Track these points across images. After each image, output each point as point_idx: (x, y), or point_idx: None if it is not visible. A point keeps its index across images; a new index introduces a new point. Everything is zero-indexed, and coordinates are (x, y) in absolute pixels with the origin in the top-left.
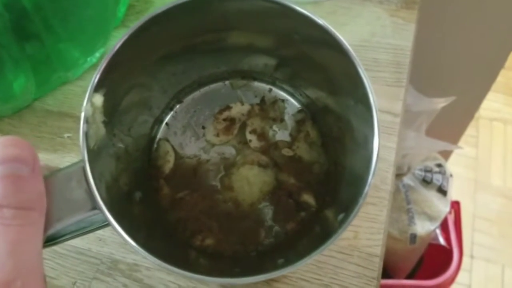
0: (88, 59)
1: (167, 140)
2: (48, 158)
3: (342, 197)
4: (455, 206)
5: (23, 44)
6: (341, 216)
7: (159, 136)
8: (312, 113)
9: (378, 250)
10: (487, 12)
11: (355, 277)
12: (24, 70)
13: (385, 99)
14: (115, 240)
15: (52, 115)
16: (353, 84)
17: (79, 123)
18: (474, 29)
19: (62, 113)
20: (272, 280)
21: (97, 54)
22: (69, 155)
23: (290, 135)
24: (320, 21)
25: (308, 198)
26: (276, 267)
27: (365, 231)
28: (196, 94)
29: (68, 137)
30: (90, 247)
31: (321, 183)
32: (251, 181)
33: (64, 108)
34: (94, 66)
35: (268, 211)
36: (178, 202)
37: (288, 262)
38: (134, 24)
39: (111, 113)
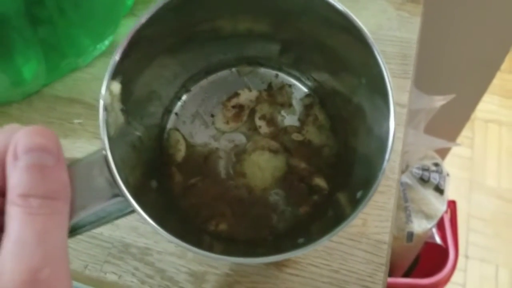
0: (98, 46)
1: (177, 130)
2: None
3: (355, 178)
4: (451, 205)
5: (35, 28)
6: (359, 193)
7: (169, 126)
8: (320, 96)
9: (386, 237)
10: (486, 14)
11: (363, 263)
12: (35, 54)
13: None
14: (126, 224)
15: (61, 101)
16: (366, 64)
17: (88, 109)
18: (473, 30)
19: (72, 99)
20: (283, 265)
21: (106, 42)
22: (80, 140)
23: (299, 119)
24: (338, 5)
25: (319, 181)
26: (293, 248)
27: (374, 219)
28: (204, 82)
29: (78, 123)
30: (102, 231)
31: (332, 166)
32: (263, 167)
33: (73, 94)
34: (103, 54)
35: (280, 196)
36: (190, 189)
37: (308, 241)
38: (148, 10)
39: (126, 101)
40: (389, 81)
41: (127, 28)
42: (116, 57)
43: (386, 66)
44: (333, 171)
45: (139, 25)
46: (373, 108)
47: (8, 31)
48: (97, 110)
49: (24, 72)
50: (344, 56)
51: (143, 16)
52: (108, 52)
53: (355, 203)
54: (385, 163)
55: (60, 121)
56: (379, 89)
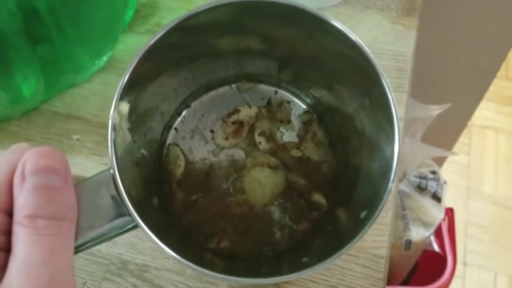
0: (96, 62)
1: (177, 145)
2: None
3: (357, 195)
4: (449, 213)
5: (34, 46)
6: (363, 213)
7: (168, 141)
8: (318, 113)
9: (384, 251)
10: (481, 23)
11: (361, 278)
12: (34, 71)
13: None
14: (124, 240)
15: (60, 117)
16: (369, 84)
17: (86, 125)
18: (469, 38)
19: (70, 115)
20: (282, 281)
21: (105, 58)
22: (78, 157)
23: (298, 136)
24: (339, 25)
25: (318, 197)
26: (297, 267)
27: (371, 233)
28: (204, 98)
29: (76, 139)
30: (100, 247)
31: (331, 183)
32: (263, 183)
33: (71, 111)
34: (101, 69)
35: (280, 212)
36: (191, 205)
37: (312, 261)
38: (157, 32)
39: (132, 120)
40: (393, 103)
41: (126, 44)
42: (126, 77)
43: (391, 88)
44: (333, 187)
45: (147, 47)
46: (375, 128)
47: (7, 49)
48: (96, 126)
49: (23, 89)
50: (344, 76)
51: (151, 40)
52: (106, 67)
53: (360, 223)
54: (390, 184)
55: (58, 137)
56: (382, 110)
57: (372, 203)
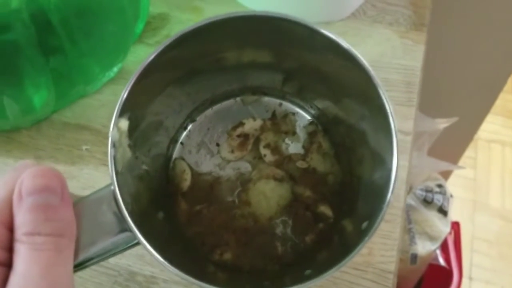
0: (107, 73)
1: (183, 159)
2: (66, 170)
3: (361, 207)
4: (455, 226)
5: (47, 57)
6: (365, 224)
7: (174, 155)
8: (323, 124)
9: (392, 266)
10: (489, 37)
11: None
12: (46, 83)
13: (396, 118)
14: (132, 252)
15: (70, 127)
16: (368, 96)
17: (96, 136)
18: (476, 53)
19: (80, 125)
20: None
21: (115, 69)
22: (87, 167)
23: (303, 147)
24: (341, 42)
25: (324, 209)
26: (300, 279)
27: (379, 248)
28: (209, 112)
29: (86, 149)
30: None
31: (336, 194)
32: (268, 196)
33: (81, 121)
34: (112, 80)
35: (286, 225)
36: (196, 216)
37: (315, 273)
38: (157, 47)
39: (134, 136)
40: (391, 114)
41: (136, 56)
42: (124, 95)
43: (390, 102)
44: (338, 199)
45: (147, 63)
46: (377, 138)
47: (20, 60)
48: (105, 137)
49: (34, 100)
50: (347, 87)
51: (151, 54)
52: (117, 78)
53: (361, 234)
54: (389, 195)
55: (68, 148)
56: (381, 121)
57: (372, 214)
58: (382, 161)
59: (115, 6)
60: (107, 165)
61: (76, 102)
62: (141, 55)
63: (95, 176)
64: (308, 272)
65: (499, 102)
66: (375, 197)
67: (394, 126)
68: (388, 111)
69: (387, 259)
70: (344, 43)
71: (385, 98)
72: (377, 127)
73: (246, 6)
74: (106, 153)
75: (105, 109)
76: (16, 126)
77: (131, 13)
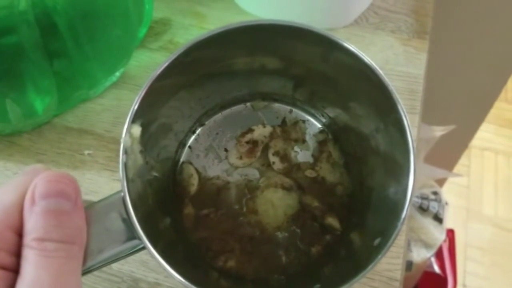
0: (109, 78)
1: (191, 163)
2: None
3: (371, 220)
4: (450, 234)
5: (51, 61)
6: (377, 240)
7: (182, 159)
8: (333, 132)
9: (398, 274)
10: (485, 47)
11: None
12: (49, 86)
13: None
14: (136, 258)
15: (72, 131)
16: (384, 109)
17: (98, 140)
18: (472, 62)
19: (82, 130)
20: None
21: (118, 73)
22: (90, 172)
23: (313, 155)
24: (363, 56)
25: (332, 221)
26: None
27: (386, 255)
28: (218, 116)
29: (88, 154)
30: (111, 265)
31: (345, 206)
32: (276, 205)
33: (83, 125)
34: (114, 85)
35: (292, 235)
36: (202, 221)
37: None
38: (171, 55)
39: (144, 140)
40: (409, 131)
41: (138, 60)
42: (137, 101)
43: (407, 114)
44: (347, 210)
45: (161, 70)
46: (390, 151)
47: (23, 63)
48: (108, 141)
49: (36, 104)
50: (359, 97)
51: (165, 61)
52: (119, 83)
53: (373, 250)
54: (404, 212)
55: (70, 152)
56: (397, 136)
57: (386, 231)
58: (396, 176)
59: (121, 9)
60: (110, 170)
61: (78, 106)
62: (143, 60)
63: (98, 181)
64: (317, 286)
65: (492, 111)
66: (388, 213)
67: (413, 144)
68: (407, 128)
69: (394, 266)
70: (366, 58)
71: (405, 116)
72: (392, 141)
73: (249, 12)
74: (109, 158)
75: (107, 113)
76: (17, 129)
77: (135, 17)
